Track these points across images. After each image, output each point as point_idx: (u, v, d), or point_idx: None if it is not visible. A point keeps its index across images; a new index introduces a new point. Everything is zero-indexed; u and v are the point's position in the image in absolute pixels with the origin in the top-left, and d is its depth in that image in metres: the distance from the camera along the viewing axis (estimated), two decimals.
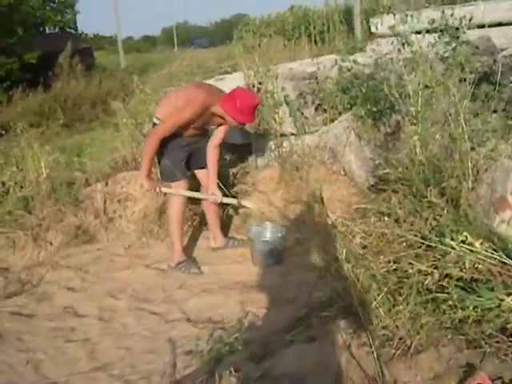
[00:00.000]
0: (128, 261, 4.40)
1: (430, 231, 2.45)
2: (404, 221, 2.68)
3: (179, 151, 4.01)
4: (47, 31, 19.29)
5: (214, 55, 15.45)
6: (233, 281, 3.85)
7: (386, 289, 2.28)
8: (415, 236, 2.40)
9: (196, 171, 4.27)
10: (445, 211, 2.61)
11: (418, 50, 3.28)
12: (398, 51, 3.46)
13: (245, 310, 3.38)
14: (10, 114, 12.57)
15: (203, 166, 4.19)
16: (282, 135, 5.03)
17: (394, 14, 3.66)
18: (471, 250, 2.33)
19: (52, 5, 19.40)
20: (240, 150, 5.29)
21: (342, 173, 4.57)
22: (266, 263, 3.97)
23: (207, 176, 4.19)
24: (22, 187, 5.05)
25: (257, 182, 4.91)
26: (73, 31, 20.24)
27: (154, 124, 3.96)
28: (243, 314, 3.33)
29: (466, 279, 2.31)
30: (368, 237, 2.62)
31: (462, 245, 2.34)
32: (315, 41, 13.96)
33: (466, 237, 2.34)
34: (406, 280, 2.30)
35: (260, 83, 5.09)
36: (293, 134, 4.97)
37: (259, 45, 5.88)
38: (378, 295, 2.27)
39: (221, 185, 4.21)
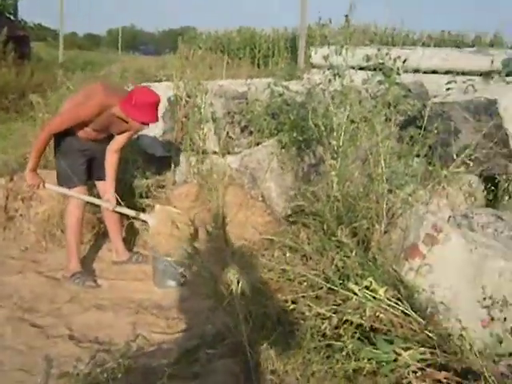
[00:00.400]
0: (21, 265, 4.06)
1: (334, 272, 2.30)
2: (310, 258, 2.53)
3: (78, 155, 3.78)
4: None
5: (155, 63, 15.16)
6: (129, 299, 3.60)
7: (279, 330, 2.10)
8: (317, 276, 2.25)
9: (96, 182, 4.02)
10: (353, 253, 2.48)
11: (348, 83, 3.18)
12: (329, 82, 3.35)
13: (135, 332, 3.15)
14: None
15: (104, 178, 3.93)
16: (204, 152, 4.84)
17: (329, 45, 3.57)
18: (374, 297, 2.21)
19: None
20: (158, 162, 5.06)
21: (260, 199, 4.41)
22: (166, 284, 3.74)
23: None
24: None
25: (172, 197, 4.70)
26: (12, 17, 19.41)
27: None
28: (133, 337, 3.10)
29: (366, 327, 2.17)
30: (268, 272, 2.45)
31: (365, 291, 2.21)
32: (258, 64, 13.99)
33: (371, 282, 2.22)
34: (302, 322, 2.13)
35: (189, 96, 4.90)
36: (215, 153, 4.80)
37: (192, 56, 5.68)
38: (271, 336, 2.09)
39: (116, 196, 3.91)
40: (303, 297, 2.24)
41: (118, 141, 3.85)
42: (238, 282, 2.13)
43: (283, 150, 4.43)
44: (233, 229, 4.31)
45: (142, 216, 4.03)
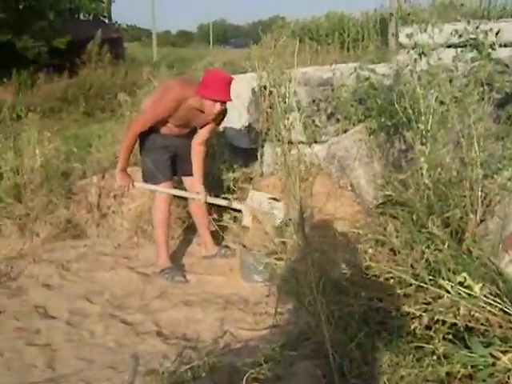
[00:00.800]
0: (113, 261, 4.16)
1: (424, 268, 2.13)
2: (399, 252, 2.36)
3: (161, 151, 3.79)
4: (81, 18, 19.25)
5: (245, 55, 15.21)
6: (216, 294, 3.59)
7: (364, 330, 1.97)
8: (405, 272, 2.08)
9: (183, 178, 4.03)
10: (445, 245, 2.29)
11: (435, 62, 2.96)
12: (414, 62, 3.14)
13: (223, 328, 3.12)
14: (33, 97, 12.51)
15: (190, 173, 3.95)
16: (291, 142, 4.72)
17: (412, 23, 3.34)
18: (469, 294, 2.02)
19: None
20: (245, 154, 5.01)
21: (349, 188, 4.25)
22: (254, 279, 3.68)
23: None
24: (17, 174, 4.83)
25: (259, 189, 4.63)
26: (106, 20, 20.22)
27: None
28: (220, 333, 3.07)
29: (460, 328, 1.99)
30: (352, 268, 2.31)
31: (458, 287, 2.03)
32: (348, 48, 13.67)
33: (465, 278, 2.03)
34: (389, 322, 1.99)
35: (273, 86, 4.80)
36: (301, 142, 4.67)
37: (275, 46, 5.57)
38: (355, 337, 1.96)
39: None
40: (390, 294, 2.09)
41: (202, 134, 3.85)
42: (320, 280, 2.02)
43: (371, 137, 4.24)
44: (321, 220, 4.20)
45: (235, 205, 4.02)
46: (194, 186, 3.95)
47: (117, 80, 13.83)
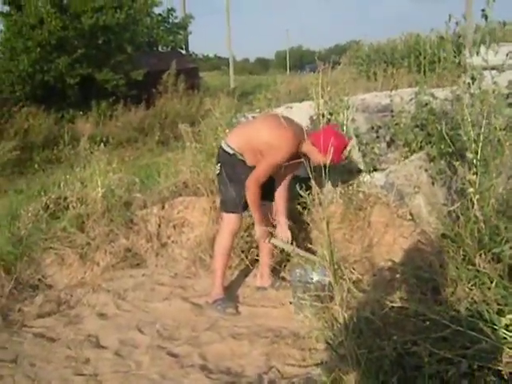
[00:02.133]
0: (169, 291, 4.18)
1: (466, 308, 1.98)
2: (444, 290, 2.22)
3: (243, 185, 3.76)
4: (159, 50, 19.93)
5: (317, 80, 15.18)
6: (266, 327, 3.52)
7: (397, 375, 1.85)
8: (445, 313, 1.94)
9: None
10: (493, 284, 2.13)
11: (487, 85, 2.80)
12: (468, 86, 2.99)
13: (269, 364, 3.05)
14: (111, 127, 13.02)
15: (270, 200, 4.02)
16: (349, 171, 4.62)
17: (477, 45, 3.18)
18: None
19: (166, 25, 20.10)
20: (303, 183, 4.93)
21: (409, 217, 4.09)
22: (305, 312, 3.57)
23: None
24: (81, 204, 4.99)
25: (317, 219, 4.53)
26: (183, 51, 20.81)
27: (223, 150, 3.86)
28: (266, 369, 3.00)
29: (503, 376, 1.83)
30: (386, 307, 2.18)
31: (503, 331, 1.87)
32: (424, 71, 13.37)
33: None
34: (424, 367, 1.85)
35: (331, 114, 4.73)
36: (360, 171, 4.55)
37: (331, 72, 5.49)
38: (387, 383, 1.84)
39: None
40: (426, 337, 1.95)
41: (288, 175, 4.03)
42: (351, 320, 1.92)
43: (432, 164, 4.08)
44: (379, 251, 4.06)
45: (301, 253, 3.96)
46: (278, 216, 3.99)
47: (191, 109, 14.19)
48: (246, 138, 3.83)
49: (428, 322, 1.99)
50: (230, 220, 3.88)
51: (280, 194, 4.04)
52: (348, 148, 3.91)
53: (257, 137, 3.78)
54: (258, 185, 3.70)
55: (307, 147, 3.76)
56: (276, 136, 3.69)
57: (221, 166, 3.88)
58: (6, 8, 13.57)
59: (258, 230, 3.87)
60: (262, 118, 4.30)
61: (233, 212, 3.87)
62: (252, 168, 3.77)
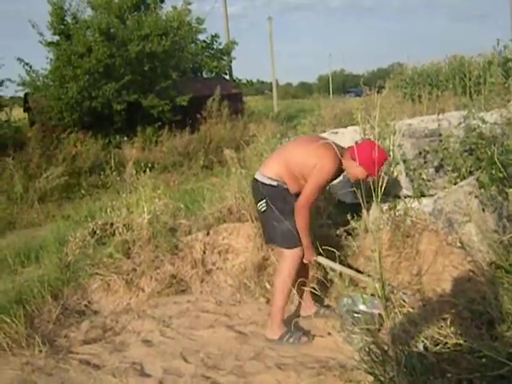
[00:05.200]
0: (213, 319, 4.15)
1: None
2: (499, 324, 2.12)
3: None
4: (204, 76, 20.23)
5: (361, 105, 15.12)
6: (313, 357, 3.44)
7: None
8: (501, 350, 1.85)
9: None
10: None
11: None
12: None
13: None
14: (157, 152, 13.21)
15: None
16: (396, 196, 4.53)
17: None
18: None
19: (210, 51, 20.42)
20: (349, 209, 4.87)
21: (459, 245, 3.97)
22: (354, 341, 3.49)
23: None
24: (127, 230, 5.04)
25: (364, 245, 4.46)
26: (227, 76, 21.07)
27: (264, 183, 3.69)
28: None
29: None
30: (442, 343, 2.10)
31: None
32: (470, 93, 13.17)
33: None
34: None
35: (377, 139, 4.66)
36: (408, 196, 4.46)
37: (377, 97, 5.43)
38: None
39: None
40: (483, 376, 1.85)
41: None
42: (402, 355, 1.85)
43: (482, 190, 3.97)
44: (429, 280, 3.95)
45: (357, 276, 3.90)
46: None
47: (235, 133, 14.29)
48: (285, 165, 3.69)
49: (484, 359, 1.90)
50: (294, 255, 3.69)
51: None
52: (386, 162, 3.83)
53: (296, 161, 3.68)
54: (308, 209, 3.61)
55: (346, 162, 3.65)
56: (318, 154, 3.60)
57: (267, 202, 3.68)
58: (56, 38, 14.01)
59: (307, 255, 3.77)
60: (294, 143, 4.16)
61: (295, 246, 3.70)
62: (297, 195, 3.69)
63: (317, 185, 3.61)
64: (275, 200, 3.68)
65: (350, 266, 4.14)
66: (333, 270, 3.82)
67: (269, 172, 3.71)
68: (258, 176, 3.77)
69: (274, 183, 3.67)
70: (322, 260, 3.87)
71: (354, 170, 3.62)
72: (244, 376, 3.27)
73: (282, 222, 3.66)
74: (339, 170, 3.71)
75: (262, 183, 3.70)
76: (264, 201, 3.70)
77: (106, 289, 4.57)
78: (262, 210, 3.73)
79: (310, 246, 3.74)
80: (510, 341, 1.98)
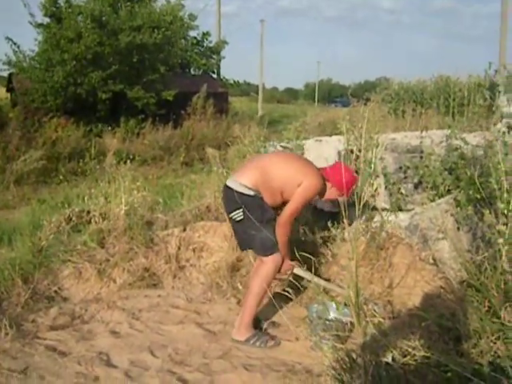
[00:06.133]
0: (183, 315, 4.14)
1: (489, 362, 1.93)
2: (465, 341, 2.17)
3: (274, 222, 3.70)
4: (192, 72, 20.18)
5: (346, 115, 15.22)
6: (280, 360, 3.45)
7: None
8: (468, 366, 1.90)
9: None
10: None
11: None
12: (503, 134, 2.97)
13: None
14: (138, 145, 13.15)
15: None
16: (374, 209, 4.59)
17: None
18: None
19: (200, 48, 20.39)
20: (326, 217, 4.91)
21: (431, 261, 4.03)
22: (322, 347, 3.52)
23: None
24: (104, 219, 5.01)
25: (339, 255, 4.50)
26: (215, 75, 21.06)
27: (241, 193, 3.62)
28: None
29: None
30: (409, 355, 2.14)
31: None
32: (453, 113, 13.35)
33: None
34: None
35: (359, 150, 4.72)
36: (385, 209, 4.52)
37: (363, 109, 5.49)
38: None
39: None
40: None
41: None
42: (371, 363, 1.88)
43: (459, 209, 4.03)
44: (400, 293, 4.01)
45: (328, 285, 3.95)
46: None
47: (218, 132, 14.30)
48: (263, 177, 3.66)
49: (450, 374, 1.94)
50: (274, 260, 3.67)
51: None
52: (356, 184, 4.02)
53: (280, 176, 3.68)
54: (290, 225, 3.70)
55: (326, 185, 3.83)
56: (306, 173, 3.67)
57: (243, 211, 3.62)
58: (47, 20, 13.88)
59: (285, 266, 3.79)
60: (276, 157, 4.10)
61: (271, 253, 3.67)
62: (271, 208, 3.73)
63: (302, 202, 3.68)
64: (253, 209, 3.62)
65: (325, 279, 4.17)
66: (309, 281, 3.88)
67: (245, 181, 3.65)
68: (231, 184, 3.69)
69: (251, 193, 3.62)
70: (300, 272, 3.91)
71: (328, 190, 3.83)
72: (210, 374, 3.27)
73: (260, 230, 3.62)
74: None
75: (238, 192, 3.63)
76: (241, 210, 3.63)
77: (78, 276, 4.53)
78: (238, 219, 3.67)
79: (289, 257, 3.78)
80: (476, 357, 2.02)
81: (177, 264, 4.76)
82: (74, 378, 3.20)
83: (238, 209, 3.64)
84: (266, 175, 3.67)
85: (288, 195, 3.70)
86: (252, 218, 3.60)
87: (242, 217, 3.64)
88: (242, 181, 3.66)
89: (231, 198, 3.67)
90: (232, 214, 3.70)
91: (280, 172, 3.71)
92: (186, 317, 4.12)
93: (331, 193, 3.83)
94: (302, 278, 4.06)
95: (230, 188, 3.68)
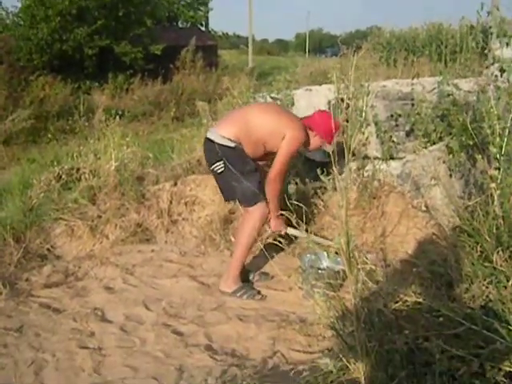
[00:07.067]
0: (177, 269, 4.16)
1: (481, 306, 1.93)
2: (457, 286, 2.17)
3: (256, 173, 3.67)
4: (179, 25, 19.80)
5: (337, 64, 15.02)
6: (274, 311, 3.48)
7: (407, 370, 1.81)
8: (458, 310, 1.90)
9: None
10: (510, 283, 2.07)
11: None
12: (495, 78, 2.91)
13: (274, 348, 3.02)
14: (127, 100, 12.97)
15: None
16: (366, 157, 4.55)
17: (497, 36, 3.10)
18: None
19: (187, 0, 19.97)
20: (318, 167, 4.87)
21: (424, 209, 4.02)
22: (315, 297, 3.53)
23: None
24: (94, 176, 4.96)
25: (330, 204, 4.48)
26: (203, 28, 20.68)
27: (221, 144, 3.58)
28: (271, 353, 2.97)
29: None
30: (401, 301, 2.14)
31: None
32: (445, 61, 13.18)
33: None
34: (434, 364, 1.81)
35: (349, 99, 4.64)
36: (377, 158, 4.48)
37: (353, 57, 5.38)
38: (396, 376, 1.80)
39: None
40: (439, 334, 1.90)
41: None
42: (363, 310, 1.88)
43: (451, 156, 4.00)
44: (392, 241, 4.01)
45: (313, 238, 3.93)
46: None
47: (208, 86, 14.10)
48: (245, 129, 3.62)
49: (441, 319, 1.94)
50: (259, 210, 3.64)
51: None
52: (340, 130, 3.96)
53: (262, 127, 3.64)
54: (280, 180, 3.67)
55: (310, 134, 3.83)
56: (290, 125, 3.64)
57: (225, 163, 3.59)
58: None
59: (276, 225, 3.82)
60: (258, 109, 3.98)
61: (258, 201, 3.65)
62: (252, 158, 3.70)
63: (288, 156, 3.65)
64: (234, 161, 3.59)
65: (321, 236, 4.16)
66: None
67: (226, 133, 3.60)
68: (212, 136, 3.65)
69: (232, 144, 3.57)
70: (291, 231, 3.90)
71: (312, 139, 3.81)
72: (204, 326, 3.29)
73: (241, 182, 3.60)
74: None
75: (219, 144, 3.58)
76: (222, 162, 3.60)
77: (70, 234, 4.52)
78: (220, 171, 3.64)
79: (279, 215, 3.73)
80: (468, 302, 2.03)
81: (169, 218, 4.74)
82: (70, 334, 3.22)
83: (219, 161, 3.61)
84: (248, 126, 3.64)
85: (270, 146, 3.67)
86: (233, 169, 3.60)
87: (223, 169, 3.62)
88: (223, 133, 3.61)
89: (212, 150, 3.64)
90: (213, 166, 3.67)
91: (262, 123, 3.67)
92: (180, 270, 4.13)
93: (315, 141, 3.83)
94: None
95: (210, 140, 3.65)
